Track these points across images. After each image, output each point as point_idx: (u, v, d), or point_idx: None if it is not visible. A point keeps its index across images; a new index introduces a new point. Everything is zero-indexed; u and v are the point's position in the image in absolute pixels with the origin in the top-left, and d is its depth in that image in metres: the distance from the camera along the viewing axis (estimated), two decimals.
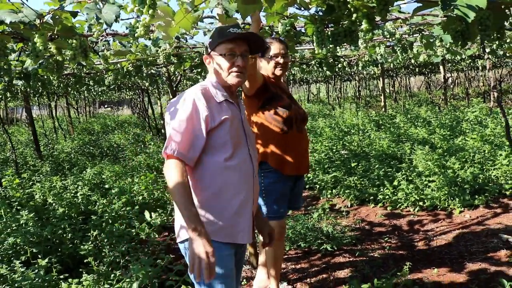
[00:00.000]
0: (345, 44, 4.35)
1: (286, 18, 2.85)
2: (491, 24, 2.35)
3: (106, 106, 32.42)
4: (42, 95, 9.77)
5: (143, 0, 1.39)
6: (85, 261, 3.53)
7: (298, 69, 7.53)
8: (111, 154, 9.43)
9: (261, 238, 2.93)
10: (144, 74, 6.44)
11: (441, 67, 12.28)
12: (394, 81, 19.11)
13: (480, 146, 6.31)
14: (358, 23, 2.35)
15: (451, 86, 20.26)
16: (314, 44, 2.67)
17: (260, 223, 2.14)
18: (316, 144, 7.55)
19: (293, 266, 3.62)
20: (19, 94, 8.20)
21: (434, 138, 7.20)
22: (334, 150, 7.13)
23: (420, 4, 2.49)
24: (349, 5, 2.03)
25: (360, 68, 8.00)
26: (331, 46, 3.05)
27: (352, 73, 17.58)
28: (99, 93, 13.12)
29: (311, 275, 3.45)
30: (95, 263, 3.48)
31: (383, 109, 12.01)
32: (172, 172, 1.73)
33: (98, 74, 5.50)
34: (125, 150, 9.23)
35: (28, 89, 6.20)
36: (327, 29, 2.88)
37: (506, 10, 2.48)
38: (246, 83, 2.65)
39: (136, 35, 2.43)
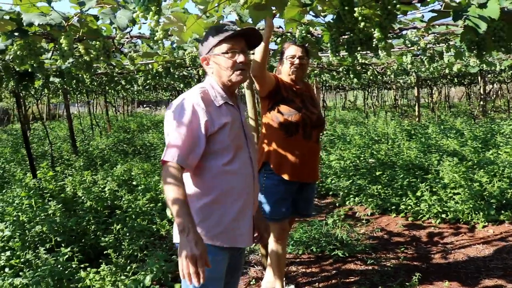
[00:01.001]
0: (367, 52, 4.36)
1: (303, 25, 2.90)
2: (505, 35, 2.33)
3: (144, 106, 33.28)
4: (81, 92, 10.19)
5: (148, 7, 1.48)
6: (105, 252, 3.69)
7: (329, 75, 7.54)
8: (144, 153, 9.71)
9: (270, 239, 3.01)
10: (176, 76, 6.62)
11: (479, 78, 11.94)
12: (432, 91, 18.68)
13: None
14: (367, 31, 2.38)
15: (493, 98, 19.59)
16: (329, 51, 2.72)
17: (256, 220, 2.10)
18: (344, 152, 7.51)
19: (303, 270, 3.66)
20: (59, 91, 8.60)
21: (465, 150, 7.03)
22: (361, 158, 7.08)
23: (435, 14, 2.50)
24: (355, 14, 2.06)
25: (392, 76, 7.92)
26: (345, 53, 3.09)
27: (389, 82, 17.31)
28: (135, 92, 13.52)
29: (320, 279, 3.47)
30: (115, 255, 3.64)
31: (417, 119, 11.79)
32: (169, 179, 1.70)
33: (130, 74, 5.72)
34: (157, 149, 9.48)
35: (65, 86, 6.52)
36: (344, 36, 2.92)
37: None
38: (256, 85, 2.72)
39: (155, 38, 2.55)
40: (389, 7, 1.86)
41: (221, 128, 1.83)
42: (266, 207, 2.82)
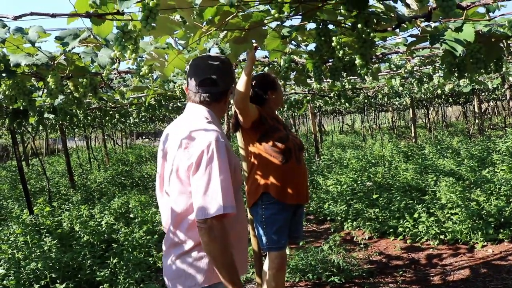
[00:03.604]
0: (353, 77, 4.40)
1: (286, 55, 2.96)
2: (482, 57, 2.38)
3: (143, 137, 33.45)
4: (78, 127, 10.26)
5: (125, 46, 1.53)
6: (100, 287, 3.65)
7: (322, 101, 7.60)
8: (142, 184, 9.70)
9: (265, 268, 2.98)
10: (170, 108, 6.69)
11: (473, 96, 12.04)
12: (428, 111, 18.79)
13: (509, 178, 6.10)
14: (349, 58, 2.43)
15: (489, 116, 19.68)
16: (313, 79, 2.77)
17: None
18: (341, 176, 7.48)
19: None
20: (57, 126, 8.67)
21: (461, 169, 7.03)
22: (358, 182, 7.05)
23: (414, 39, 2.56)
24: (333, 43, 2.11)
25: (385, 99, 7.98)
26: (329, 80, 3.14)
27: (385, 104, 17.42)
28: (132, 125, 13.63)
29: None
30: None
31: (414, 140, 11.82)
32: (226, 237, 1.60)
33: (124, 107, 5.78)
34: (155, 180, 9.47)
35: (60, 122, 6.58)
36: (328, 64, 2.98)
37: (500, 44, 2.50)
38: (240, 117, 2.76)
39: (141, 73, 2.61)
40: (363, 35, 1.90)
41: (237, 168, 1.77)
42: (268, 238, 2.84)
